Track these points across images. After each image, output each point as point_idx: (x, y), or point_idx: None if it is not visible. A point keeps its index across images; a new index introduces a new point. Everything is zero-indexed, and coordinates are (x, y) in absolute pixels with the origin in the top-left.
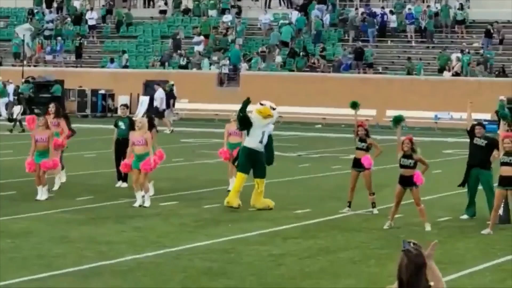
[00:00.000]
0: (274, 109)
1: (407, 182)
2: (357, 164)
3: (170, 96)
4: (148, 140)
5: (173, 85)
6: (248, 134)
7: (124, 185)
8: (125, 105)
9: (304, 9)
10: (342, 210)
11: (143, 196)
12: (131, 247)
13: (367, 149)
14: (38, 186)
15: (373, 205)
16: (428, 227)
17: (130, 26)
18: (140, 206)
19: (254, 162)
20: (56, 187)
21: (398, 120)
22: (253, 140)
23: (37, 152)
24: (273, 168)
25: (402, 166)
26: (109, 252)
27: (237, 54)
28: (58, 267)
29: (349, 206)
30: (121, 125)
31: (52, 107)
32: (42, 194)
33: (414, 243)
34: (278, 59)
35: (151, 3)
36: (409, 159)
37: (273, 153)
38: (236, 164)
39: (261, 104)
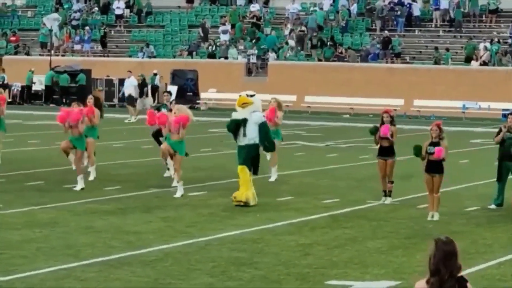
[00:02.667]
0: (252, 95)
1: (434, 168)
2: (382, 152)
3: (143, 85)
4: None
5: (155, 74)
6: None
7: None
8: (169, 92)
9: None
10: (381, 200)
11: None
12: (159, 237)
13: (391, 137)
14: (78, 176)
15: (389, 193)
16: (436, 217)
17: (149, 16)
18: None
19: (251, 157)
20: (92, 177)
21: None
22: (239, 138)
23: (72, 138)
24: (301, 158)
25: (430, 154)
26: (137, 242)
27: (273, 40)
28: (86, 257)
29: (385, 195)
30: (164, 112)
31: (90, 99)
32: (79, 184)
33: (446, 237)
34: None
35: None
36: (436, 146)
37: (269, 140)
38: None
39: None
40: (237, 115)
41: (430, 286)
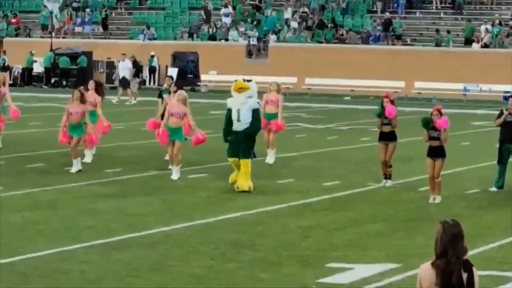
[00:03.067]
0: (249, 81)
1: (436, 153)
2: (383, 137)
3: (135, 67)
4: (187, 113)
5: (152, 56)
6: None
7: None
8: (171, 77)
9: None
10: (381, 183)
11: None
12: (159, 219)
13: (390, 123)
14: (74, 159)
15: (389, 176)
16: (438, 199)
17: None
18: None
19: (238, 143)
20: (88, 160)
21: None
22: (234, 123)
23: (70, 125)
24: (302, 140)
25: (431, 138)
26: (138, 224)
27: (273, 21)
28: (87, 239)
29: (386, 178)
30: (166, 97)
31: (91, 83)
32: (74, 166)
33: (452, 219)
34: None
35: None
36: (437, 130)
37: (255, 123)
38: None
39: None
40: (232, 100)
41: (435, 268)
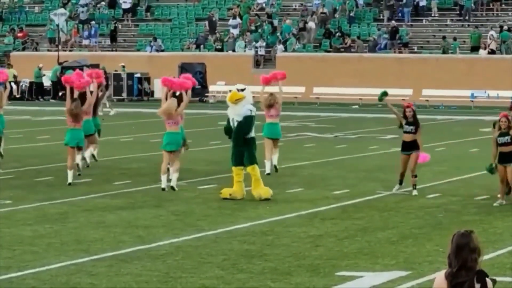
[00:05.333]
0: (243, 89)
1: (507, 158)
2: (406, 147)
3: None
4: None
5: (123, 67)
6: None
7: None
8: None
9: None
10: (393, 189)
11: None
12: (169, 230)
13: (415, 132)
14: (69, 171)
15: (414, 186)
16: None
17: (151, 9)
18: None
19: (243, 152)
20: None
21: (383, 94)
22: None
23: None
24: (311, 149)
25: (500, 145)
26: (147, 236)
27: (289, 29)
28: (96, 252)
29: (401, 183)
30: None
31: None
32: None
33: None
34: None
35: None
36: (506, 135)
37: (237, 130)
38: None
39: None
40: (231, 110)
41: (445, 278)
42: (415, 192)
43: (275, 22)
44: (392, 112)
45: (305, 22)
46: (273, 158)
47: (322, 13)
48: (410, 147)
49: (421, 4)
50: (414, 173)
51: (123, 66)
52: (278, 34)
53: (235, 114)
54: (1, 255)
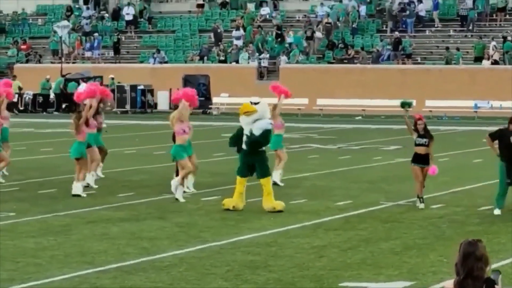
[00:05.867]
0: (256, 103)
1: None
2: (418, 159)
3: None
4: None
5: (112, 79)
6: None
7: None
8: None
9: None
10: (417, 205)
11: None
12: (173, 242)
13: (427, 145)
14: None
15: (421, 200)
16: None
17: (153, 20)
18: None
19: (252, 163)
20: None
21: (405, 104)
22: (244, 142)
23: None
24: (314, 161)
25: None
26: (151, 248)
27: (299, 40)
28: (100, 263)
29: (421, 201)
30: None
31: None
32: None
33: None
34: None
35: None
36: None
37: (265, 138)
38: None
39: None
40: (246, 122)
41: (454, 286)
42: (421, 206)
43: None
44: (405, 123)
45: (313, 32)
46: (275, 174)
47: (327, 23)
48: (423, 159)
49: (420, 13)
50: (422, 185)
51: (112, 78)
52: (287, 44)
53: (253, 126)
54: (4, 267)
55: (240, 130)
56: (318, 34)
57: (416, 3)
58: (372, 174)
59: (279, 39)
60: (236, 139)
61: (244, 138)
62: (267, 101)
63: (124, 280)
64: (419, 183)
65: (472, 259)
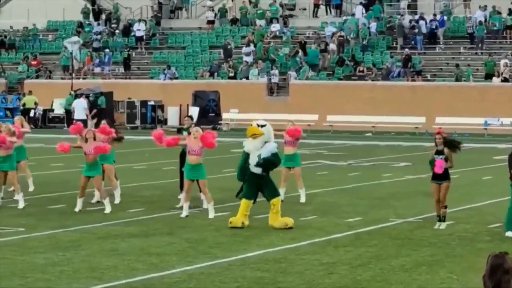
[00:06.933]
0: (263, 126)
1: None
2: (437, 176)
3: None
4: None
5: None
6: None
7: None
8: (190, 116)
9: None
10: (435, 226)
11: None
12: (182, 258)
13: (446, 161)
14: (79, 198)
15: (443, 218)
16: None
17: (154, 37)
18: (187, 216)
19: (259, 186)
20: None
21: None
22: (251, 166)
23: (86, 165)
24: (324, 177)
25: None
26: (160, 264)
27: (315, 54)
28: (109, 279)
29: (439, 220)
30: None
31: (103, 123)
32: (79, 205)
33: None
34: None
35: (196, 13)
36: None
37: (268, 162)
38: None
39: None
40: (249, 144)
41: None
42: (442, 226)
43: (286, 50)
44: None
45: (326, 44)
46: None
47: (340, 36)
48: (439, 176)
49: (423, 31)
50: (444, 204)
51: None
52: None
53: (255, 148)
54: (13, 282)
55: (245, 159)
56: (333, 46)
57: (428, 21)
58: (382, 191)
59: (299, 54)
60: (244, 170)
61: (253, 161)
62: (277, 117)
63: None
64: (436, 201)
65: (500, 271)
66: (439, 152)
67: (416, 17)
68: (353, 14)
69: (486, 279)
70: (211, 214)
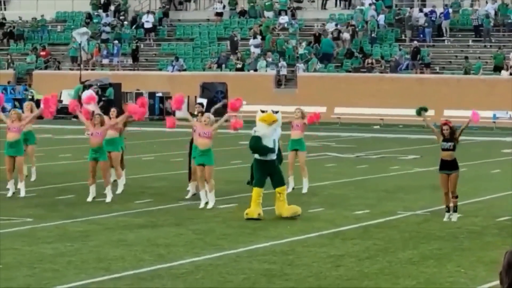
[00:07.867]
0: (276, 112)
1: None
2: (445, 166)
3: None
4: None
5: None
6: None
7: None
8: (201, 104)
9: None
10: (444, 219)
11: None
12: (190, 249)
13: (454, 149)
14: (90, 186)
15: (455, 208)
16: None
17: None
18: (206, 203)
19: (269, 173)
20: (119, 190)
21: (419, 111)
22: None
23: (92, 150)
24: (331, 169)
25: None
26: (168, 255)
27: (329, 43)
28: (117, 270)
29: (448, 211)
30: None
31: (113, 111)
32: (108, 195)
33: None
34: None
35: (204, 4)
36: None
37: (281, 154)
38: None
39: (262, 112)
40: (267, 131)
41: None
42: (454, 218)
43: (293, 42)
44: (430, 129)
45: (339, 32)
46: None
47: (351, 25)
48: (449, 166)
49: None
50: (455, 194)
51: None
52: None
53: (274, 134)
54: (21, 273)
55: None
56: (346, 35)
57: (438, 13)
58: (389, 184)
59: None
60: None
61: (274, 148)
62: (285, 109)
63: (140, 287)
64: (445, 193)
65: None
66: (447, 140)
67: (426, 10)
68: (362, 4)
69: (503, 275)
70: (211, 204)
